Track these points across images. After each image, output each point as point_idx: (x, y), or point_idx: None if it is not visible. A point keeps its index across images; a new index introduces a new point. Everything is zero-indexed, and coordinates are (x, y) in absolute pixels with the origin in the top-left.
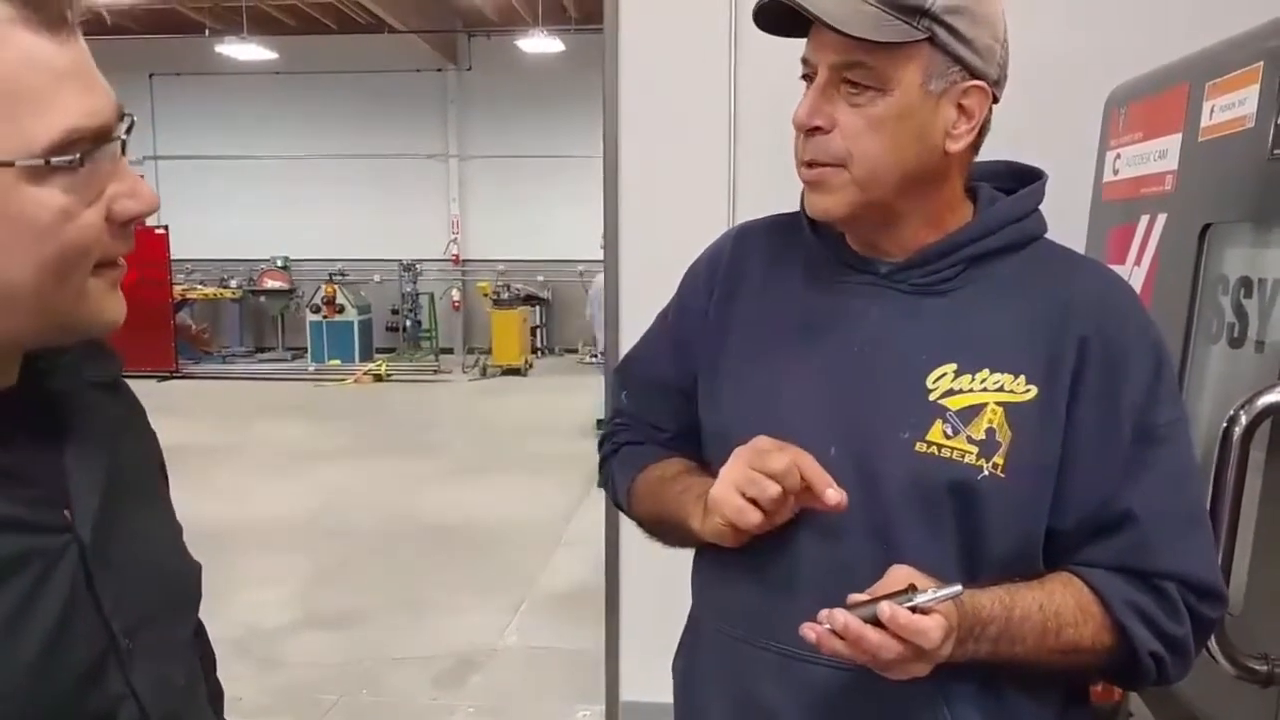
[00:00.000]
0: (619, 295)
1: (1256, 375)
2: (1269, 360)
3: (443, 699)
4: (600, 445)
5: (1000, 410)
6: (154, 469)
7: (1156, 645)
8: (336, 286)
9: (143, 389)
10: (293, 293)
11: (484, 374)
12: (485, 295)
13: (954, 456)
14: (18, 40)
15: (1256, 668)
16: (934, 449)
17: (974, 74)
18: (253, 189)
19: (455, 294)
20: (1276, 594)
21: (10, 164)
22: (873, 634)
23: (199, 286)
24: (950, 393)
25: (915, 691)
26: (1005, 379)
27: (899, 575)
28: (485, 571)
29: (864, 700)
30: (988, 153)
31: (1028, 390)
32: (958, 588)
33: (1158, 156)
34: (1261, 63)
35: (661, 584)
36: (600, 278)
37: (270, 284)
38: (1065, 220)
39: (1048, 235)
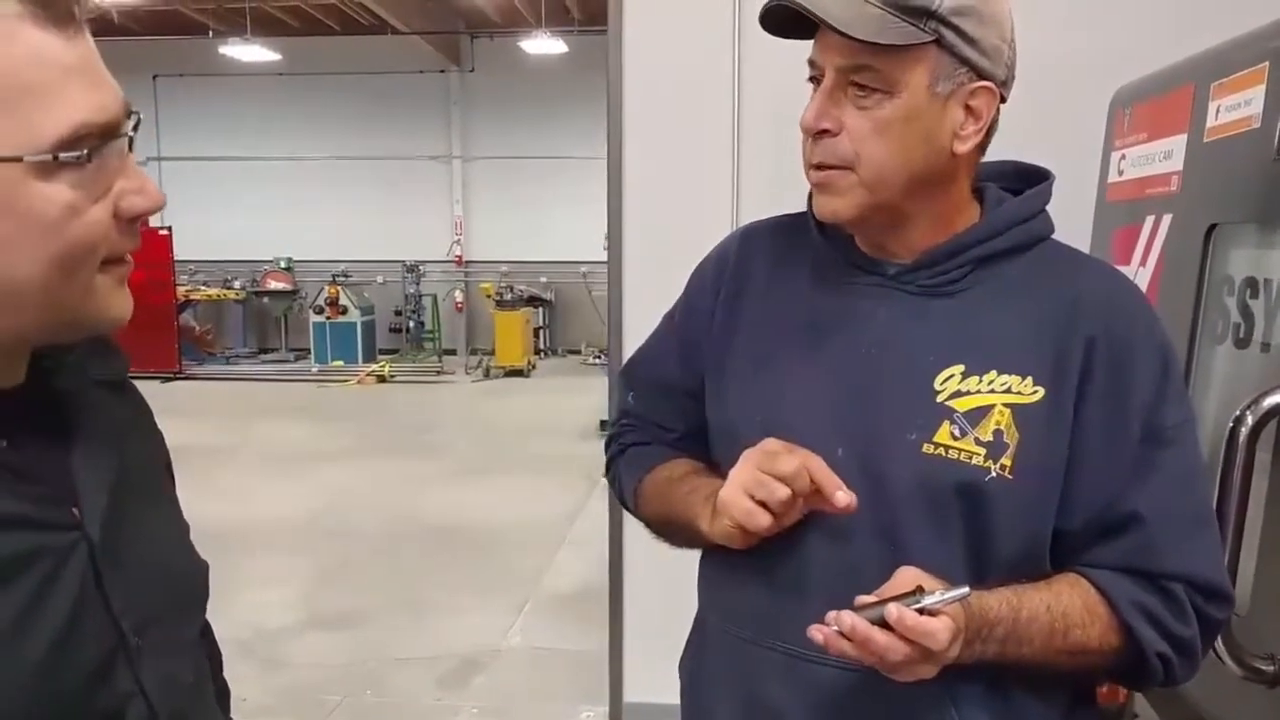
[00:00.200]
0: (622, 297)
1: (1262, 376)
2: (1274, 361)
3: (446, 700)
4: (607, 446)
5: (1008, 411)
6: (160, 468)
7: (1163, 646)
8: (340, 288)
9: (146, 390)
10: (296, 294)
11: (487, 375)
12: (488, 296)
13: (962, 458)
14: (26, 36)
15: (1263, 668)
16: (942, 450)
17: (981, 75)
18: (256, 190)
19: (458, 295)
20: None
21: (18, 159)
22: (880, 636)
23: (202, 288)
24: (958, 394)
25: (922, 693)
26: (1013, 380)
27: (906, 577)
28: (489, 572)
29: (871, 701)
30: (991, 154)
31: (1035, 391)
32: (965, 589)
33: (1163, 157)
34: (1267, 63)
35: (665, 585)
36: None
37: (274, 285)
38: (1070, 221)
39: (1054, 236)
